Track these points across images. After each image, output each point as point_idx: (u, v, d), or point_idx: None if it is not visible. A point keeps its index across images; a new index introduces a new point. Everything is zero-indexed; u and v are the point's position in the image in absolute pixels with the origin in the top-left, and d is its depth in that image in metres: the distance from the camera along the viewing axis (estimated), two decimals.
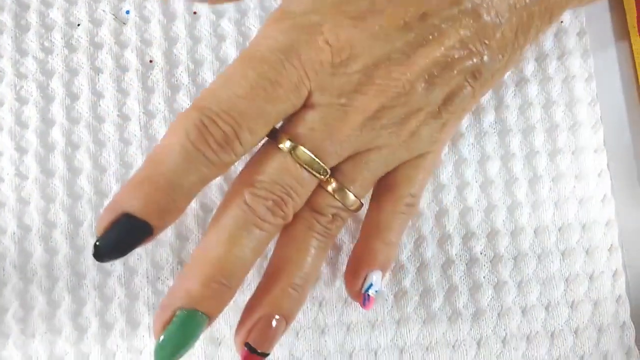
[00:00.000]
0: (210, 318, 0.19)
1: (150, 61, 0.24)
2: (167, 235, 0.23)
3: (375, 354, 0.23)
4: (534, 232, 0.24)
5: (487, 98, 0.25)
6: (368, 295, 0.21)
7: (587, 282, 0.24)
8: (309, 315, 0.23)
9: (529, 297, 0.24)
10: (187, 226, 0.23)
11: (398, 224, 0.22)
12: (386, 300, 0.23)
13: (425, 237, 0.24)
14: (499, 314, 0.23)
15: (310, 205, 0.20)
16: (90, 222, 0.23)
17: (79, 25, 0.25)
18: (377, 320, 0.23)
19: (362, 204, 0.21)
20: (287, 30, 0.19)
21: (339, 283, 0.23)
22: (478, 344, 0.23)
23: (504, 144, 0.24)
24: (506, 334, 0.23)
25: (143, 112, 0.24)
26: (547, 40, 0.25)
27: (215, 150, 0.18)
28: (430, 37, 0.19)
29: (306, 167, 0.19)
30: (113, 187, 0.23)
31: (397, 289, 0.23)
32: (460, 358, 0.23)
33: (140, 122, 0.24)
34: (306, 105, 0.19)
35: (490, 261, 0.24)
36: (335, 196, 0.20)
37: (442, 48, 0.19)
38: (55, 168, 0.23)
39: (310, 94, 0.19)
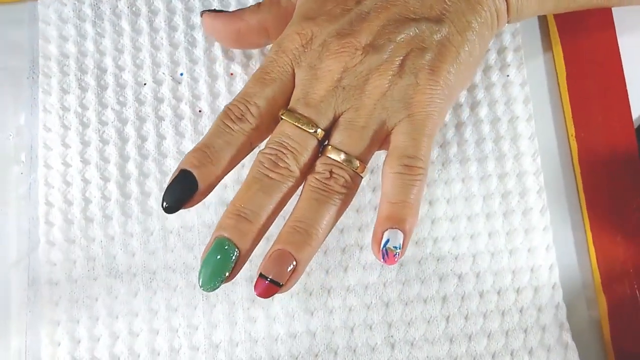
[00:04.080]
0: (238, 248, 0.25)
1: (200, 111, 0.33)
2: None
3: (370, 328, 0.31)
4: (488, 235, 0.32)
5: (451, 134, 0.33)
6: (386, 250, 0.26)
7: (529, 273, 0.32)
8: (320, 300, 0.31)
9: (484, 284, 0.31)
10: None
11: (399, 184, 0.26)
12: (377, 287, 0.31)
13: None
14: (462, 297, 0.31)
15: (312, 169, 0.26)
16: (158, 232, 0.31)
17: (145, 84, 0.33)
18: (371, 303, 0.31)
19: (361, 165, 0.26)
20: (277, 41, 0.28)
21: (342, 273, 0.31)
22: (447, 319, 0.31)
23: (464, 169, 0.32)
24: (468, 312, 0.31)
25: None
26: (497, 90, 0.33)
27: (233, 120, 0.26)
28: (367, 13, 0.26)
29: (296, 125, 0.26)
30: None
31: (385, 279, 0.31)
32: (433, 330, 0.31)
33: None
34: (295, 86, 0.27)
35: (455, 257, 0.32)
36: (327, 155, 0.26)
37: (378, 19, 0.26)
38: (131, 192, 0.31)
39: (293, 73, 0.27)
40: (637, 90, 0.33)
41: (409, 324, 0.31)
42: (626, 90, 0.33)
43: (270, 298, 0.30)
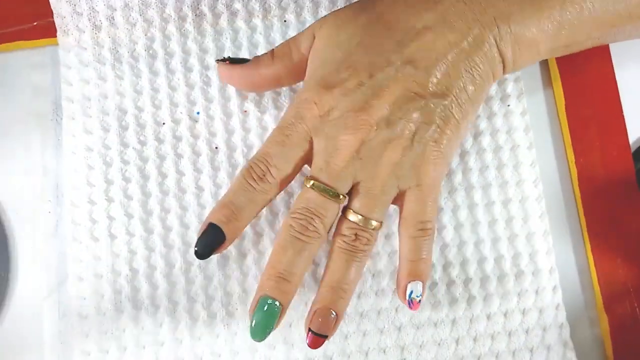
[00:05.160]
0: (281, 304, 0.28)
1: (216, 147, 0.34)
2: (231, 271, 0.33)
3: (384, 351, 0.32)
4: (494, 260, 0.33)
5: (455, 163, 0.34)
6: (411, 299, 0.30)
7: (534, 295, 0.33)
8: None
9: (491, 307, 0.33)
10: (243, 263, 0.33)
11: (416, 245, 0.29)
12: (389, 312, 0.33)
13: None
14: (470, 320, 0.33)
15: (337, 231, 0.30)
16: (180, 265, 0.33)
17: (164, 124, 0.34)
18: (384, 327, 0.33)
19: (378, 224, 0.29)
20: (295, 104, 0.30)
21: (356, 300, 0.33)
22: (456, 342, 0.33)
23: (469, 197, 0.34)
24: (476, 334, 0.33)
25: (213, 185, 0.34)
26: (498, 119, 0.35)
27: (255, 179, 0.29)
28: (380, 89, 0.29)
29: (322, 193, 0.29)
30: (195, 239, 0.33)
31: (397, 304, 0.33)
32: (444, 352, 0.32)
33: (211, 192, 0.34)
34: (314, 153, 0.29)
35: (463, 282, 0.33)
36: (349, 218, 0.29)
37: (390, 96, 0.29)
38: (154, 227, 0.33)
39: (312, 141, 0.29)
40: (634, 117, 0.35)
41: (420, 346, 0.32)
42: (623, 117, 0.35)
43: (288, 324, 0.32)
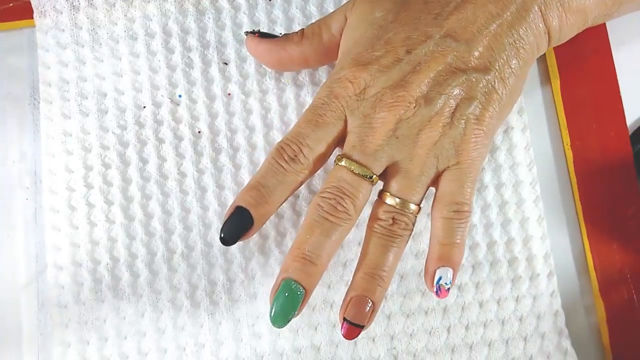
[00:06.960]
0: (304, 288, 0.27)
1: (199, 132, 0.33)
2: (219, 257, 0.32)
3: (373, 340, 0.31)
4: (487, 246, 0.32)
5: None
6: (439, 286, 0.28)
7: (528, 282, 0.32)
8: (323, 314, 0.31)
9: (484, 294, 0.32)
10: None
11: (449, 228, 0.28)
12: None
13: (406, 253, 0.32)
14: (462, 308, 0.32)
15: (373, 215, 0.28)
16: (162, 253, 0.32)
17: (144, 107, 0.33)
18: None
19: (417, 207, 0.28)
20: (328, 83, 0.29)
21: (344, 287, 0.32)
22: (448, 330, 0.32)
23: None
24: (468, 322, 0.32)
25: (195, 170, 0.33)
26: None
27: (287, 160, 0.27)
28: (419, 65, 0.27)
29: (354, 172, 0.27)
30: (177, 226, 0.32)
31: (385, 292, 0.32)
32: (435, 341, 0.31)
33: (194, 178, 0.32)
34: (347, 132, 0.28)
35: None
36: (386, 202, 0.28)
37: (429, 70, 0.27)
38: (135, 214, 0.32)
39: (346, 120, 0.28)
40: (632, 97, 0.34)
41: (411, 335, 0.31)
42: (620, 98, 0.34)
43: None
